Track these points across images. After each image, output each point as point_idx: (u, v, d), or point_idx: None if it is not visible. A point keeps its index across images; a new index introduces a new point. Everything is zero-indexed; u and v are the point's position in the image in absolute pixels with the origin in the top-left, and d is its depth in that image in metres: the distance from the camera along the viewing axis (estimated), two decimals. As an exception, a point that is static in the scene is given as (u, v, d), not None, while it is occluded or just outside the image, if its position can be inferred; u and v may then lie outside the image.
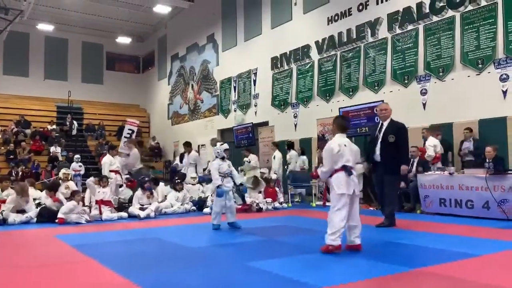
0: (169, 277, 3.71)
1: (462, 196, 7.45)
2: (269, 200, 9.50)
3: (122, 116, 20.79)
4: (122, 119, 20.92)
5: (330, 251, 4.40)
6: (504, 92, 8.52)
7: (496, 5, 8.63)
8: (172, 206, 9.13)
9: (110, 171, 9.31)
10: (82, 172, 13.97)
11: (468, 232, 5.76)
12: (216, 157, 6.69)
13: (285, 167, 11.58)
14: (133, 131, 12.63)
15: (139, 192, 8.80)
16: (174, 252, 4.92)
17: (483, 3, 8.87)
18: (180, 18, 19.70)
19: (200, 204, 9.51)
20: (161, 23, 21.25)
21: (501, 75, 8.58)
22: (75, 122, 19.68)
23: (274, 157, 11.49)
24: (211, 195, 9.35)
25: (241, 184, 6.75)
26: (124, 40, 21.43)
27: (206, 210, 9.06)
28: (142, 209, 8.36)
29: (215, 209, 6.54)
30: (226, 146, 6.77)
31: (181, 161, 11.80)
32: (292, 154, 11.55)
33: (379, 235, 5.60)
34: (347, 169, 4.53)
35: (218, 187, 6.40)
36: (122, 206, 8.85)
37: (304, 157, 11.56)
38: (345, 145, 4.63)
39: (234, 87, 16.17)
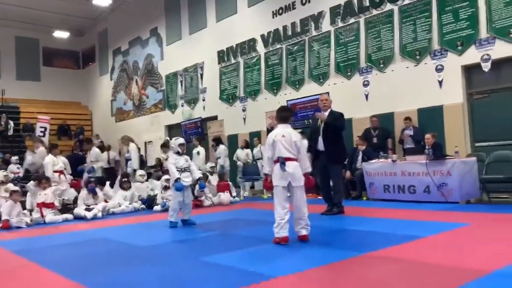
0: (121, 277, 3.60)
1: (405, 182, 7.81)
2: (222, 194, 9.45)
3: (62, 115, 19.88)
4: (62, 117, 20.01)
5: (278, 243, 4.45)
6: (440, 82, 9.00)
7: (431, -1, 9.08)
8: (120, 206, 8.86)
9: (54, 171, 8.87)
10: (21, 174, 13.21)
11: (412, 216, 6.05)
12: (173, 152, 6.57)
13: (235, 160, 11.63)
14: (45, 128, 12.13)
15: (84, 192, 8.47)
16: (125, 251, 4.78)
17: (419, -3, 9.30)
18: (121, 11, 19.07)
19: (149, 202, 9.31)
20: (101, 17, 20.44)
21: (437, 66, 9.04)
22: (11, 122, 18.54)
23: (198, 153, 11.42)
24: (161, 192, 9.19)
25: (199, 179, 6.65)
26: (61, 34, 20.42)
27: (156, 208, 8.88)
28: (88, 209, 8.06)
29: (173, 205, 6.38)
30: (181, 140, 6.62)
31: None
32: (220, 148, 11.57)
33: (330, 223, 5.75)
34: (280, 161, 4.52)
35: (176, 180, 6.25)
36: (66, 207, 8.48)
37: (248, 150, 11.63)
38: (283, 136, 4.59)
39: (181, 82, 15.92)
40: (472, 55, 8.51)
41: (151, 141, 16.74)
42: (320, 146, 6.40)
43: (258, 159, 11.38)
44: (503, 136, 8.23)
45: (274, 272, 3.39)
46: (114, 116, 20.25)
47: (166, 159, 11.06)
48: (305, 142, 7.48)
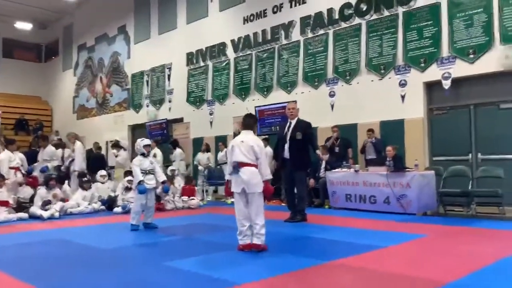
0: (79, 281, 3.49)
1: (366, 192, 8.02)
2: (186, 198, 9.36)
3: (21, 109, 19.12)
4: (21, 111, 19.24)
5: (241, 250, 4.45)
6: (403, 97, 9.30)
7: (397, 16, 9.39)
8: (78, 206, 8.61)
9: (10, 168, 8.50)
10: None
11: (373, 226, 6.21)
12: (137, 153, 6.44)
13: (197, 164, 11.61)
14: None
15: (42, 190, 8.17)
16: (84, 254, 4.65)
17: (386, 14, 9.59)
18: (89, 7, 18.60)
19: (109, 203, 9.09)
20: (67, 10, 19.84)
21: (400, 81, 9.35)
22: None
23: (154, 155, 11.24)
24: (122, 193, 9.01)
25: (163, 182, 6.55)
26: (24, 26, 19.68)
27: (116, 209, 8.69)
28: (45, 209, 7.78)
29: (135, 208, 6.24)
30: (146, 141, 6.49)
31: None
32: (176, 152, 11.50)
33: (293, 230, 5.81)
34: (234, 165, 4.50)
35: (139, 183, 6.13)
36: (21, 206, 8.15)
37: (209, 154, 11.62)
38: (242, 141, 4.56)
39: (147, 81, 15.68)
40: (434, 73, 8.85)
41: (112, 141, 16.34)
42: (286, 154, 6.48)
43: (223, 163, 11.37)
44: (459, 152, 8.61)
45: (239, 279, 3.40)
46: (75, 113, 19.67)
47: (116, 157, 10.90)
48: (268, 150, 7.53)
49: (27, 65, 21.67)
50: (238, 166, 4.45)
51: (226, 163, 11.24)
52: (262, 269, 3.84)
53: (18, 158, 8.89)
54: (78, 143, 10.86)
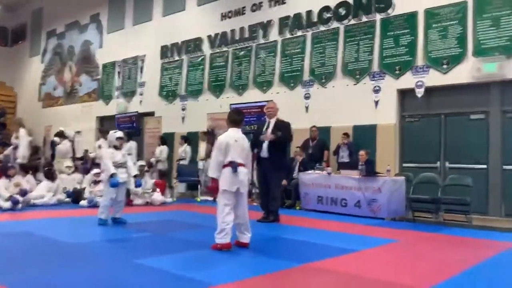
0: (45, 277, 3.31)
1: (338, 194, 8.07)
2: (156, 193, 9.13)
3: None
4: (-18, 96, 18.41)
5: (219, 249, 4.37)
6: (376, 103, 9.43)
7: (375, 23, 9.51)
8: (42, 197, 8.27)
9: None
10: None
11: (345, 229, 6.24)
12: (109, 145, 6.21)
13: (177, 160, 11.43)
14: None
15: (3, 180, 7.79)
16: (50, 248, 4.44)
17: (364, 19, 9.70)
18: (61, -8, 18.01)
19: (75, 195, 8.78)
20: (36, -6, 19.14)
21: (375, 87, 9.47)
22: None
23: (99, 146, 10.93)
24: (90, 185, 8.73)
25: (135, 176, 6.35)
26: (-11, 7, 18.80)
27: (82, 202, 8.40)
28: (6, 199, 7.42)
29: (105, 202, 6.02)
30: (119, 134, 6.28)
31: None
32: (163, 149, 11.35)
33: (266, 231, 5.76)
34: (233, 165, 4.45)
35: (111, 176, 5.92)
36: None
37: (165, 147, 11.54)
38: (235, 140, 4.54)
39: (118, 73, 15.29)
40: (408, 80, 9.02)
41: (79, 131, 15.83)
42: (264, 153, 6.43)
43: (181, 159, 11.23)
44: (429, 159, 8.81)
45: (213, 279, 3.31)
46: (41, 101, 18.97)
47: (99, 147, 10.55)
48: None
49: (-9, 48, 20.74)
50: (237, 166, 4.44)
51: (184, 159, 11.20)
52: (237, 270, 3.77)
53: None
54: (21, 130, 10.20)
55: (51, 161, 10.52)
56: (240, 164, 4.49)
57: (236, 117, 4.78)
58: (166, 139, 12.09)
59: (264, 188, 6.59)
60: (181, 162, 11.17)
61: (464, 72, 8.30)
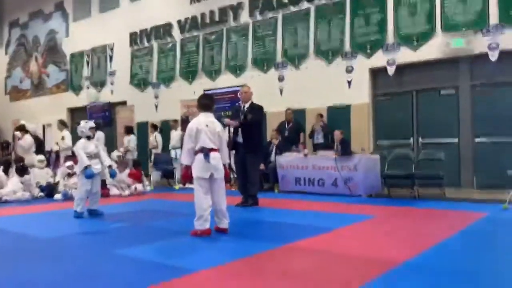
0: (21, 274, 3.23)
1: (315, 175, 8.15)
2: (133, 183, 9.00)
3: None
4: None
5: (198, 236, 4.35)
6: (349, 82, 9.50)
7: (345, 2, 9.51)
8: (14, 193, 8.06)
9: None
10: None
11: (322, 208, 6.32)
12: (81, 136, 6.06)
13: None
14: None
15: (-28, 177, 7.55)
16: (25, 244, 4.33)
17: (334, -1, 9.69)
18: (21, -21, 17.30)
19: (49, 190, 8.59)
20: (-5, -17, 18.34)
21: (347, 67, 9.52)
22: None
23: (62, 138, 10.76)
24: (64, 179, 8.54)
25: (109, 166, 6.23)
26: None
27: (57, 196, 8.23)
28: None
29: (80, 194, 5.89)
30: (91, 124, 6.14)
31: None
32: (131, 138, 11.19)
33: (245, 215, 5.78)
34: (204, 151, 4.37)
35: (86, 167, 5.79)
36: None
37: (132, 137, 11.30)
38: (206, 125, 4.45)
39: (87, 62, 14.89)
40: (379, 59, 9.10)
41: (50, 124, 15.44)
42: (239, 138, 6.40)
43: (153, 148, 11.08)
44: (402, 136, 8.97)
45: (195, 265, 3.30)
46: (8, 94, 18.35)
47: (63, 139, 10.31)
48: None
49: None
50: (207, 152, 4.35)
51: (155, 147, 11.04)
52: (218, 255, 3.76)
53: None
54: None
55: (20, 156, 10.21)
56: (212, 149, 4.41)
57: (206, 101, 4.69)
58: (132, 128, 11.78)
59: (241, 172, 6.57)
60: (153, 151, 11.02)
61: (434, 48, 8.43)
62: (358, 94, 9.34)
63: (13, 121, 17.13)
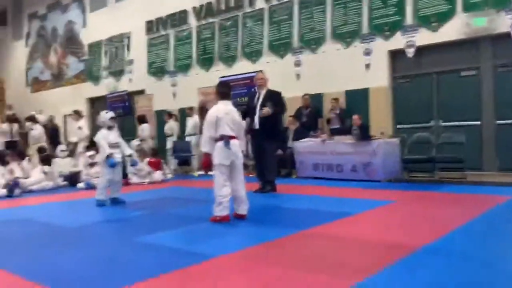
0: (47, 260, 3.33)
1: (333, 160, 8.11)
2: (153, 171, 9.13)
3: (-31, 81, 17.92)
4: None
5: (218, 222, 4.41)
6: (367, 65, 9.36)
7: (362, -17, 9.32)
8: (39, 183, 8.26)
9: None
10: None
11: (341, 193, 6.31)
12: (102, 126, 6.16)
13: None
14: None
15: (-1, 168, 7.77)
16: (50, 233, 4.45)
17: (351, -20, 9.50)
18: (38, -28, 17.48)
19: (72, 179, 8.78)
20: (14, -24, 18.56)
21: (365, 50, 9.38)
22: None
23: (79, 128, 10.90)
24: (85, 168, 8.72)
25: (130, 156, 6.33)
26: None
27: (80, 185, 8.42)
28: (3, 186, 7.41)
29: (102, 183, 6.02)
30: (111, 114, 6.24)
31: None
32: (144, 127, 11.29)
33: (263, 201, 5.81)
34: (225, 139, 4.44)
35: (108, 157, 5.90)
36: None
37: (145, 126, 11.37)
38: (226, 113, 4.52)
39: (105, 52, 15.03)
40: (398, 41, 8.92)
41: (70, 114, 15.69)
42: (256, 124, 6.40)
43: (169, 135, 11.18)
44: (422, 119, 8.83)
45: (214, 251, 3.35)
46: (29, 86, 18.70)
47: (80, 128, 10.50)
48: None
49: (-27, 34, 20.19)
50: (228, 139, 4.43)
51: (172, 135, 11.15)
52: (237, 240, 3.81)
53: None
54: None
55: (46, 146, 10.44)
56: (232, 137, 4.49)
57: (224, 89, 4.76)
58: (144, 117, 11.84)
59: (259, 159, 6.59)
60: (169, 139, 11.13)
61: (454, 29, 8.22)
62: (377, 77, 9.20)
63: (35, 112, 17.49)
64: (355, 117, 8.30)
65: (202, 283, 2.68)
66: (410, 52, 8.77)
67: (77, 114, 10.88)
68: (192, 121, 10.69)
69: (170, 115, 11.52)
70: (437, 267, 2.83)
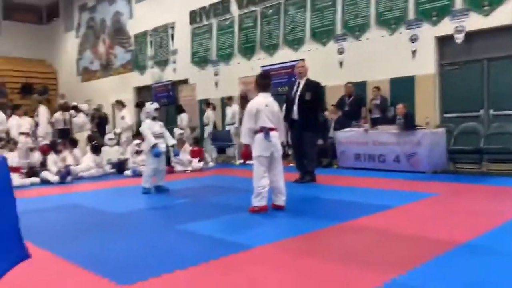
0: (94, 246, 3.53)
1: (375, 151, 7.96)
2: (195, 160, 9.34)
3: (26, 72, 18.90)
4: (26, 75, 19.03)
5: (256, 212, 4.49)
6: (414, 52, 9.05)
7: (409, -33, 8.97)
8: (89, 170, 8.67)
9: (20, 133, 8.48)
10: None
11: (383, 185, 6.20)
12: (147, 117, 6.38)
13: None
14: None
15: (53, 155, 8.20)
16: (97, 219, 4.70)
17: (397, -36, 9.17)
18: (87, -35, 18.05)
19: (119, 166, 9.14)
20: (65, -31, 19.28)
21: (411, 36, 9.06)
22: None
23: (122, 118, 11.08)
24: (132, 156, 9.04)
25: (173, 146, 6.54)
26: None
27: (126, 172, 8.75)
28: (56, 173, 7.85)
29: (148, 172, 6.27)
30: (156, 105, 6.44)
31: None
32: (183, 117, 11.45)
33: (303, 191, 5.83)
34: (265, 130, 4.51)
35: (153, 146, 6.11)
36: (33, 171, 8.21)
37: (184, 115, 11.55)
38: (266, 105, 4.57)
39: (151, 42, 15.39)
40: (446, 26, 8.55)
41: (114, 104, 16.25)
42: (295, 115, 6.39)
43: (206, 125, 11.34)
44: (471, 108, 8.45)
45: (252, 241, 3.42)
46: (80, 75, 19.50)
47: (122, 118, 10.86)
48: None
49: (29, 27, 21.14)
50: (268, 131, 4.50)
51: (208, 124, 11.31)
52: (275, 231, 3.85)
53: (27, 123, 8.88)
54: (41, 107, 10.87)
55: (95, 135, 10.90)
56: (272, 129, 4.54)
57: (263, 81, 4.79)
58: (182, 107, 12.07)
59: (298, 149, 6.59)
60: (206, 128, 11.32)
61: (507, 13, 7.77)
62: (423, 65, 8.88)
63: (85, 101, 18.24)
64: (399, 106, 8.08)
65: (240, 274, 2.75)
66: (460, 38, 8.38)
67: (120, 104, 11.25)
68: (231, 111, 10.80)
69: (208, 104, 11.69)
70: (477, 266, 2.75)
